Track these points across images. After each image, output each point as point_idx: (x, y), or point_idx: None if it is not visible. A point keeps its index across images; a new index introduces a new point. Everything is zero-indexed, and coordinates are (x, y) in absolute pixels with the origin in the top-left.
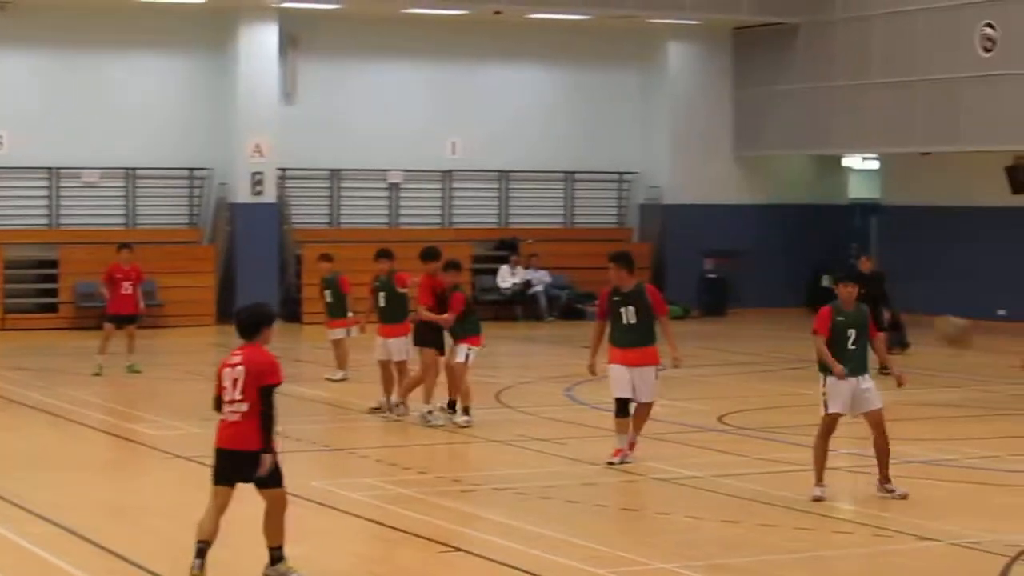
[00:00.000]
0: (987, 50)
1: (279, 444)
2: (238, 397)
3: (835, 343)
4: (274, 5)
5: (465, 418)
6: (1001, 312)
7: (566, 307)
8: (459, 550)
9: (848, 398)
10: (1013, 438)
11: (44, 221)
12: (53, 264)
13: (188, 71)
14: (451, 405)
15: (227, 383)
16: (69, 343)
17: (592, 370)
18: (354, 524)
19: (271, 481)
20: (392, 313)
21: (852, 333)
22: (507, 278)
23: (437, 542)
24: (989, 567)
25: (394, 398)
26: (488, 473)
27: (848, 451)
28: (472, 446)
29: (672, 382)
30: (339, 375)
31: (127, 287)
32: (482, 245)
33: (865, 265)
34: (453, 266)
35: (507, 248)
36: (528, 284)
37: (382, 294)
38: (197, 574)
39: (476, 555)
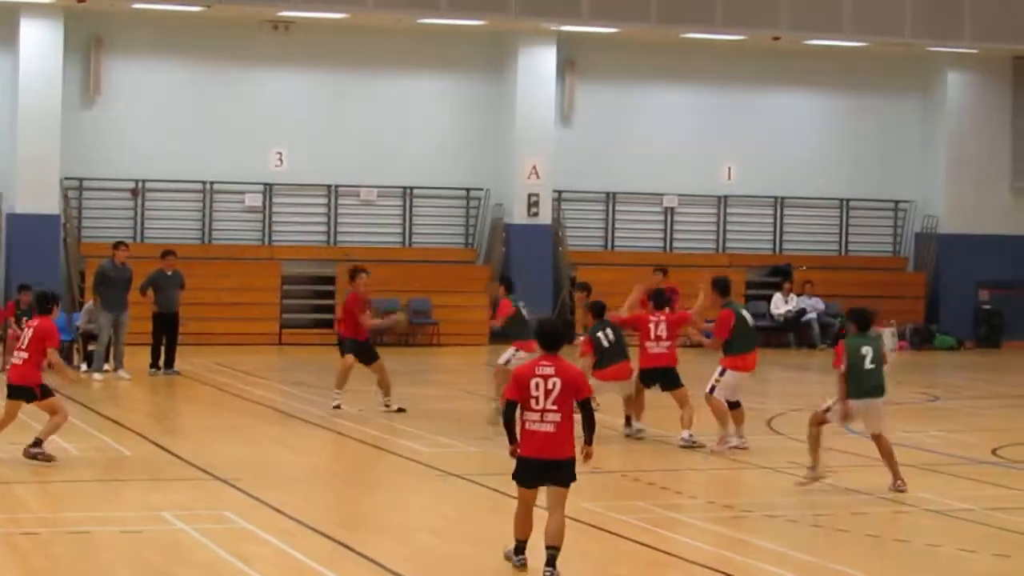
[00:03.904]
0: None
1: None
2: (551, 407)
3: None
4: (553, 28)
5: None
6: None
7: (839, 335)
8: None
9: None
10: None
11: (323, 238)
12: (330, 280)
13: (466, 92)
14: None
15: (537, 392)
16: None
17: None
18: (624, 546)
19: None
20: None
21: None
22: (780, 305)
23: (706, 567)
24: None
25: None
26: (758, 499)
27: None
28: (745, 472)
29: (944, 413)
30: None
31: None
32: (755, 271)
33: None
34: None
35: (780, 275)
36: (802, 312)
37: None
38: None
39: None
